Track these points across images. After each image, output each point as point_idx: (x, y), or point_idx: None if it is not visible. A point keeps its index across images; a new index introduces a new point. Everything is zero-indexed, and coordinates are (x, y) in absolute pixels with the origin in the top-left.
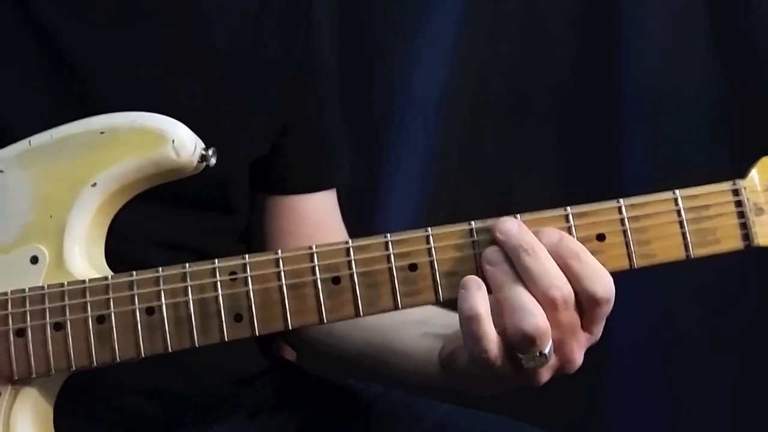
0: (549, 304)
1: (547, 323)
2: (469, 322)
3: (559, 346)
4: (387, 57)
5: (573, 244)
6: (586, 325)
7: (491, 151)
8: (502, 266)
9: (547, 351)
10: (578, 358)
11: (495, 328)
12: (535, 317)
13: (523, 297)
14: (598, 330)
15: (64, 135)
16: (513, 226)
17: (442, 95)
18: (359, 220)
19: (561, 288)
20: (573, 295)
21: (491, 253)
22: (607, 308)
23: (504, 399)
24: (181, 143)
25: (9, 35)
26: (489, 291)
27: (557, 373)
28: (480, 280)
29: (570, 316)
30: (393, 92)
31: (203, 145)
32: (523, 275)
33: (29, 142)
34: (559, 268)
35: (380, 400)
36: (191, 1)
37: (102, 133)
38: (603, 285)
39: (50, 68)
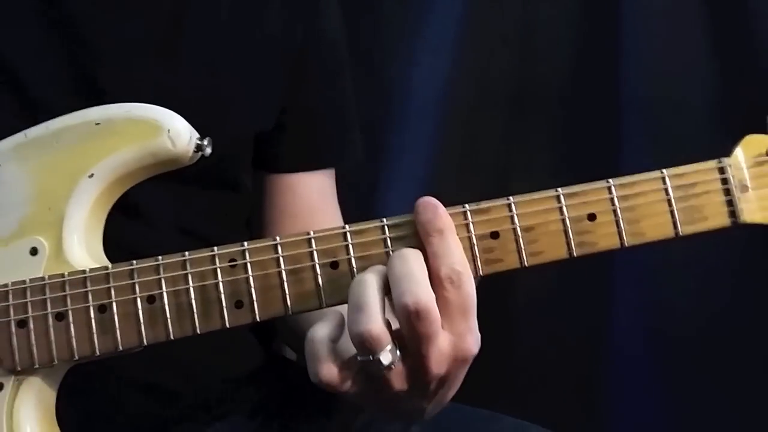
0: (401, 311)
1: (383, 329)
2: (305, 343)
3: (411, 351)
4: (387, 57)
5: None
6: (445, 321)
7: (491, 151)
8: (367, 273)
9: (381, 356)
10: (433, 366)
11: None
12: (368, 321)
13: (366, 300)
14: (460, 331)
15: (60, 126)
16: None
17: (442, 95)
18: (359, 219)
19: (415, 295)
20: (431, 306)
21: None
22: (456, 295)
23: (503, 397)
24: (177, 133)
25: (23, 14)
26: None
27: (414, 384)
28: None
29: (425, 326)
30: (392, 92)
31: (198, 135)
32: (389, 278)
33: (25, 134)
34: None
35: None
36: None
37: (98, 124)
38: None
39: (60, 43)
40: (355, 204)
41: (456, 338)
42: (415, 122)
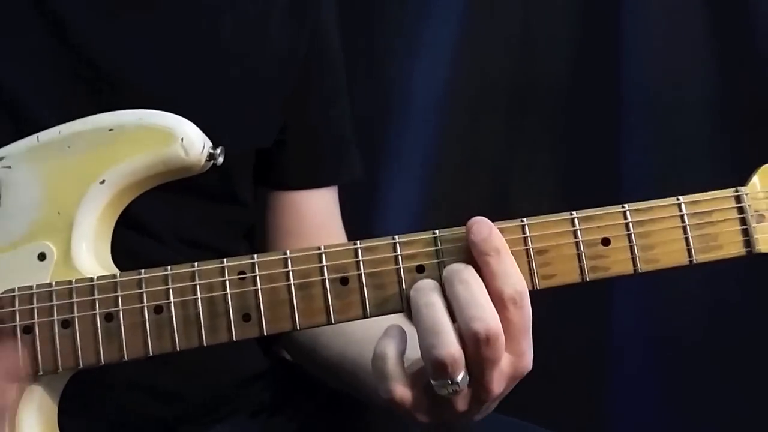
0: (470, 338)
1: (460, 352)
2: (376, 360)
3: (476, 376)
4: (387, 57)
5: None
6: (507, 342)
7: (491, 151)
8: (431, 294)
9: (459, 379)
10: (495, 388)
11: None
12: (448, 345)
13: (440, 323)
14: (521, 351)
15: (73, 132)
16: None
17: (442, 95)
18: (359, 219)
19: (485, 321)
20: (499, 331)
21: (421, 284)
22: (518, 315)
23: (503, 398)
24: (190, 142)
25: (19, 22)
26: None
27: (473, 403)
28: (403, 331)
29: (492, 352)
30: (393, 92)
31: (211, 144)
32: (452, 303)
33: (37, 138)
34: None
35: None
36: None
37: (110, 130)
38: (511, 285)
39: (60, 55)
40: (355, 204)
41: (516, 358)
42: (415, 122)
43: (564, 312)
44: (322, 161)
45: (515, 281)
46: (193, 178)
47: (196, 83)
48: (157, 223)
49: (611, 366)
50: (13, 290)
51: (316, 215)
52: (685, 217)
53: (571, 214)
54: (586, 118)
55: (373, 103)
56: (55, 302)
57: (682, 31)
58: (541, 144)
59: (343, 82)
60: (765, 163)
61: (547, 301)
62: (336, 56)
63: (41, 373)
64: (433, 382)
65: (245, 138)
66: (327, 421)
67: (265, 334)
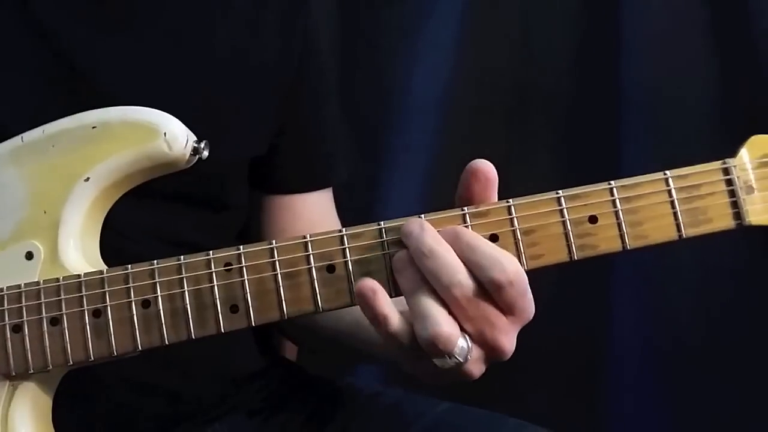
0: (453, 303)
1: (450, 327)
2: (379, 326)
3: (478, 338)
4: (387, 57)
5: (467, 237)
6: (505, 309)
7: (491, 151)
8: (407, 272)
9: (456, 352)
10: (505, 344)
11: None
12: (434, 324)
13: (423, 303)
14: (521, 310)
15: (57, 130)
16: (414, 228)
17: (442, 95)
18: (359, 218)
19: (462, 285)
20: (475, 288)
21: (397, 260)
22: (513, 290)
23: (503, 398)
24: (173, 136)
25: (9, 35)
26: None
27: (489, 362)
28: (374, 287)
29: (481, 308)
30: (393, 92)
31: (195, 138)
32: (427, 278)
33: (21, 138)
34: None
35: (379, 399)
36: (189, 1)
37: (94, 127)
38: (501, 270)
39: (50, 68)
40: (356, 204)
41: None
42: (416, 122)
43: (563, 312)
44: (315, 165)
45: (509, 262)
46: (189, 186)
47: (189, 94)
48: (152, 231)
49: (611, 367)
50: (1, 290)
51: (311, 215)
52: (673, 191)
53: (557, 193)
54: (587, 118)
55: (373, 103)
56: (43, 300)
57: (682, 31)
58: (541, 144)
59: (333, 84)
60: (752, 134)
61: (547, 303)
62: (325, 59)
63: (32, 371)
64: (435, 362)
65: (240, 147)
66: (325, 420)
67: (254, 324)
